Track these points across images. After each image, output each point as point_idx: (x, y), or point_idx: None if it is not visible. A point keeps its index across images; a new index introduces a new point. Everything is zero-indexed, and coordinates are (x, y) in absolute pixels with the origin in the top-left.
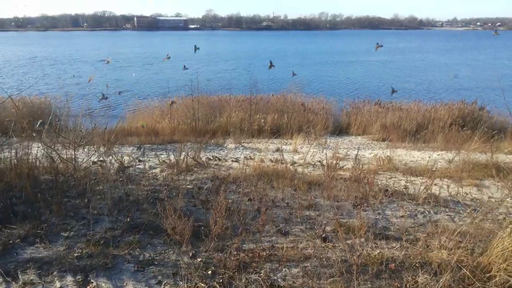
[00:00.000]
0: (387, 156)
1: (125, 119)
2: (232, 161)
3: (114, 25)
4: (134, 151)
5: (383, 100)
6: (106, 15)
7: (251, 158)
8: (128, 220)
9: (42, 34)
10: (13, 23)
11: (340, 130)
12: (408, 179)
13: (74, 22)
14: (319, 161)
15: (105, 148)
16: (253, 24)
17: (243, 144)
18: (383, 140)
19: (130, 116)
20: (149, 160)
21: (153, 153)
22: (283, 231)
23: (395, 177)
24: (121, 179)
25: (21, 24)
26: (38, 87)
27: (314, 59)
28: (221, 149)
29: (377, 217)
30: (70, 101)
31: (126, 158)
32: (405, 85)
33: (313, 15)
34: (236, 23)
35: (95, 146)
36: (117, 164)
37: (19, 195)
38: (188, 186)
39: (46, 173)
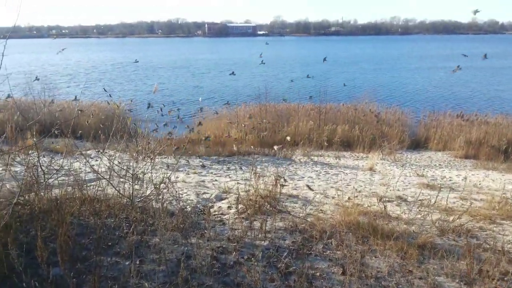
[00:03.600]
0: (504, 196)
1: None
2: (307, 186)
3: (186, 32)
4: (200, 164)
5: (478, 112)
6: (179, 22)
7: (317, 190)
8: None
9: (121, 41)
10: (95, 30)
11: (418, 144)
12: None
13: (149, 29)
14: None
15: (174, 161)
16: (321, 30)
17: (311, 157)
18: (467, 157)
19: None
20: (214, 183)
21: (220, 167)
22: None
23: None
24: (182, 225)
25: (102, 31)
26: (125, 94)
27: (389, 65)
28: (289, 164)
29: None
30: (142, 108)
31: (191, 176)
32: (498, 94)
33: (384, 19)
34: (304, 29)
35: (164, 158)
36: (179, 201)
37: (54, 250)
38: (262, 242)
39: (93, 213)
